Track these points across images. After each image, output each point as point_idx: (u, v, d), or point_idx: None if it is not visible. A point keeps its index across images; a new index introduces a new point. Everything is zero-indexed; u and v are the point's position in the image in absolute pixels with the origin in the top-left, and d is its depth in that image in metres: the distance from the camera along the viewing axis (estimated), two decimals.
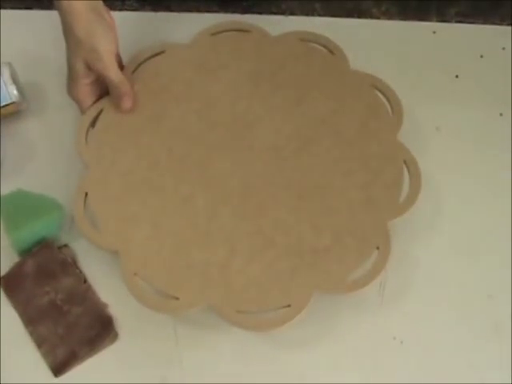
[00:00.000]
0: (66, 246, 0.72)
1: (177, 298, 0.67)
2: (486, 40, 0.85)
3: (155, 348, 0.68)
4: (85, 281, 0.70)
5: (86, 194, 0.72)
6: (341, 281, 0.67)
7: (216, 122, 0.76)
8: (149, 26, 0.86)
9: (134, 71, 0.79)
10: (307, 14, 0.87)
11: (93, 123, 0.76)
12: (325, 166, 0.73)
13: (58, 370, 0.67)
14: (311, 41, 0.81)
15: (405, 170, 0.73)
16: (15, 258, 0.71)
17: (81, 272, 0.71)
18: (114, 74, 0.74)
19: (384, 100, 0.77)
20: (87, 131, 0.76)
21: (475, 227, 0.74)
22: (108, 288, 0.71)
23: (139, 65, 0.80)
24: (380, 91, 0.77)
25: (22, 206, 0.71)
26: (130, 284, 0.68)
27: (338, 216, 0.70)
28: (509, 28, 0.86)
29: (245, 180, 0.73)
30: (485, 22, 0.86)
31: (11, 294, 0.70)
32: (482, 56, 0.84)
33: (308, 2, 0.88)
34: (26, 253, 0.71)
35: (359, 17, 0.87)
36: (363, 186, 0.72)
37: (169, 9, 0.88)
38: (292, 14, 0.87)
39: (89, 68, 0.73)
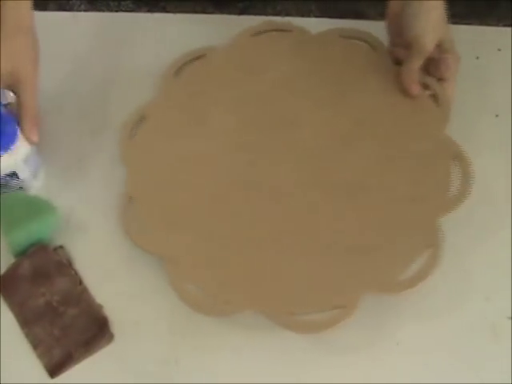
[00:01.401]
0: (61, 247, 0.72)
1: (228, 302, 0.66)
2: (482, 41, 0.85)
3: (150, 349, 0.68)
4: (80, 282, 0.70)
5: (131, 199, 0.71)
6: (391, 281, 0.66)
7: (261, 122, 0.76)
8: (145, 27, 0.86)
9: (175, 75, 0.78)
10: (303, 15, 0.87)
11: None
12: (372, 164, 0.72)
13: (53, 371, 0.67)
14: (352, 37, 0.80)
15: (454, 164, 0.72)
16: (11, 260, 0.71)
17: (76, 273, 0.71)
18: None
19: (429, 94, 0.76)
20: (129, 137, 0.75)
21: (475, 228, 0.74)
22: (103, 289, 0.70)
23: (180, 68, 0.79)
24: (425, 85, 0.76)
25: (17, 208, 0.71)
26: (179, 290, 0.67)
27: (387, 214, 0.69)
28: (505, 29, 0.86)
29: (292, 180, 0.72)
30: (481, 24, 0.86)
31: (7, 295, 0.70)
32: (477, 57, 0.84)
33: (304, 3, 0.88)
34: (21, 254, 0.71)
35: (355, 18, 0.86)
36: (412, 182, 0.71)
37: (165, 10, 0.88)
38: (288, 14, 0.87)
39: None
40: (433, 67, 0.75)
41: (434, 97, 0.75)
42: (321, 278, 0.67)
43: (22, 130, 0.71)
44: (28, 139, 0.72)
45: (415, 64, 0.74)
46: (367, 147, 0.73)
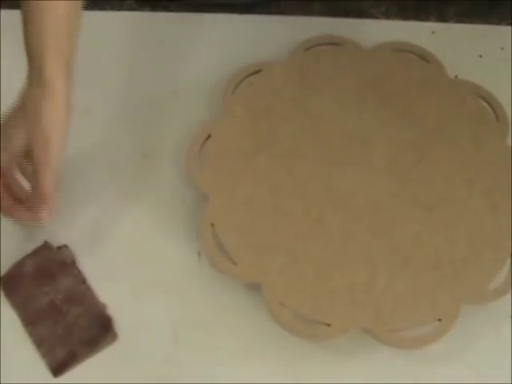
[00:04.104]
0: (65, 246, 0.72)
1: (328, 325, 0.66)
2: (485, 40, 0.85)
3: (154, 348, 0.68)
4: (84, 281, 0.70)
5: (212, 225, 0.70)
6: (483, 290, 0.67)
7: (330, 139, 0.75)
8: (147, 26, 0.86)
9: (233, 92, 0.77)
10: (306, 14, 0.87)
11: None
12: (445, 176, 0.73)
13: (57, 370, 0.67)
14: (405, 50, 0.81)
15: None
16: (15, 258, 0.71)
17: (80, 272, 0.71)
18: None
19: (487, 106, 0.77)
20: (197, 158, 0.74)
21: None
22: (107, 288, 0.70)
23: (237, 85, 0.78)
24: (482, 98, 0.77)
25: None
26: (277, 315, 0.66)
27: (467, 225, 0.70)
28: (507, 28, 0.86)
29: (371, 196, 0.72)
30: (484, 22, 0.86)
31: (10, 294, 0.70)
32: (480, 56, 0.84)
33: (307, 2, 0.87)
34: None
35: (358, 17, 0.87)
36: (486, 193, 0.72)
37: (167, 9, 0.88)
38: (291, 14, 0.87)
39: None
40: None
41: (492, 109, 0.77)
42: (416, 293, 0.67)
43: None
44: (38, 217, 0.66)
45: None
46: (439, 160, 0.74)
